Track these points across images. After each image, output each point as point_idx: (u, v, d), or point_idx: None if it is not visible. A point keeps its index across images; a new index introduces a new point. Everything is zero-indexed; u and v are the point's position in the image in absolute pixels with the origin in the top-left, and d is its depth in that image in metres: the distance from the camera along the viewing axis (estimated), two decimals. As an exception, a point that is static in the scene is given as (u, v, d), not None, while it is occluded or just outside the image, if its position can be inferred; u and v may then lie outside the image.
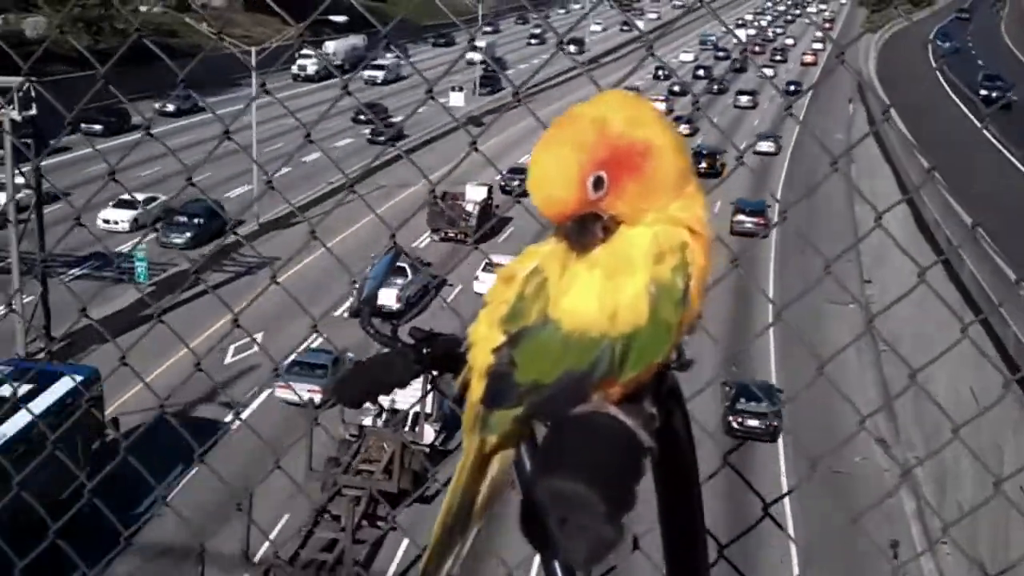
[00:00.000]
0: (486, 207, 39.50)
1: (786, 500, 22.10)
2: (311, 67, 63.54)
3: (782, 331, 26.74)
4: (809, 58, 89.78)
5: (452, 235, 39.03)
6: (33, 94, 23.22)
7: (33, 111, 23.67)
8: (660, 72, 68.34)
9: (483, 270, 34.03)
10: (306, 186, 38.97)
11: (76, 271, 29.86)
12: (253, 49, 35.12)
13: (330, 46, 64.78)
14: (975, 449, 19.36)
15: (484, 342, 1.40)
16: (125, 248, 30.77)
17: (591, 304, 1.31)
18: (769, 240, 39.21)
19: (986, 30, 72.98)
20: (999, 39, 70.89)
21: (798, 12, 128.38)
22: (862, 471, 22.19)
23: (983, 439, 18.90)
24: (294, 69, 63.75)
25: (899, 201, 27.02)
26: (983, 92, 44.75)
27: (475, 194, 39.93)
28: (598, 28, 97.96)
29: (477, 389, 1.40)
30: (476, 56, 60.71)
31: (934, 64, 54.85)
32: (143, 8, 48.66)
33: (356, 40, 66.84)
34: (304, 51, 58.00)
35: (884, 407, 24.83)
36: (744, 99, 67.23)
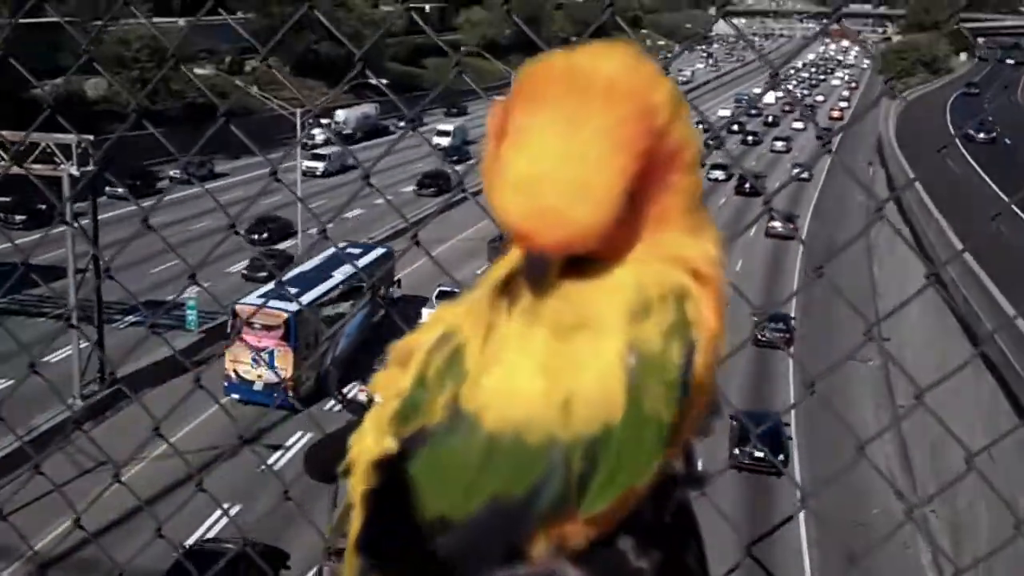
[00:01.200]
0: None
1: (804, 551, 21.88)
2: (319, 137, 55.05)
3: (801, 385, 26.45)
4: (836, 113, 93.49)
5: None
6: (91, 151, 23.60)
7: (90, 167, 24.01)
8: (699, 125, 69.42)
9: (436, 297, 29.58)
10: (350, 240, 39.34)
11: (130, 318, 30.05)
12: (299, 110, 35.63)
13: (340, 114, 59.94)
14: (991, 498, 19.07)
15: (367, 456, 0.91)
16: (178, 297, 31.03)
17: (531, 385, 0.81)
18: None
19: (1003, 106, 72.68)
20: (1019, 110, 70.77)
21: (823, 77, 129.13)
22: (879, 522, 21.88)
23: (998, 488, 18.61)
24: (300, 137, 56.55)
25: (891, 196, 26.81)
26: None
27: None
28: None
29: (355, 529, 0.92)
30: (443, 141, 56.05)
31: (951, 131, 54.66)
32: (198, 71, 49.43)
33: (368, 108, 62.38)
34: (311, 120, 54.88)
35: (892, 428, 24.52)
36: (779, 144, 72.99)
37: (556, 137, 0.76)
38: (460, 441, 0.84)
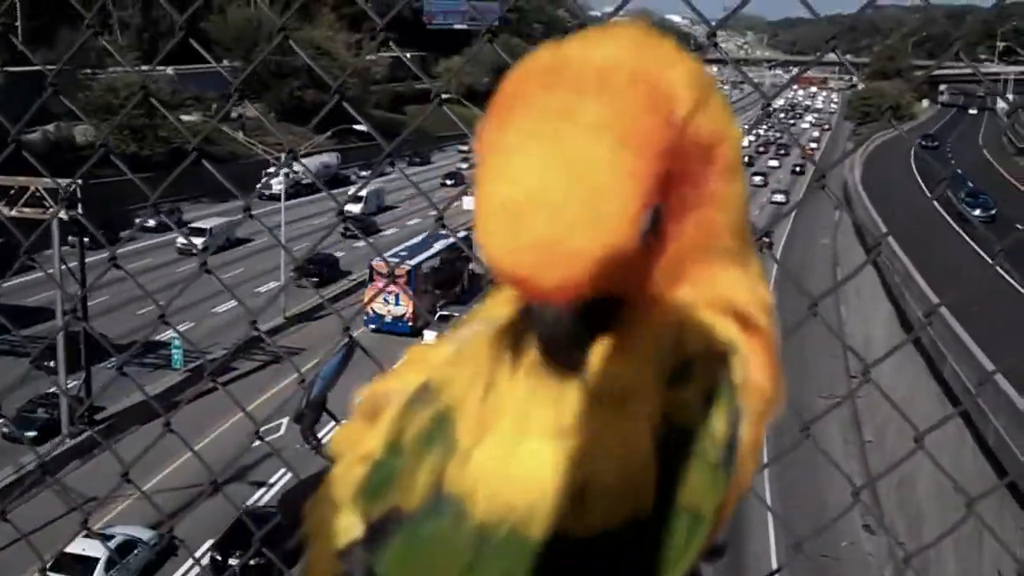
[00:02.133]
0: None
1: None
2: (276, 186, 47.16)
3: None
4: (808, 151, 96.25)
5: None
6: (79, 195, 23.52)
7: (79, 211, 23.94)
8: None
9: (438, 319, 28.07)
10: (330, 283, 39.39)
11: (115, 358, 29.79)
12: (283, 154, 35.81)
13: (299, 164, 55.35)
14: (955, 537, 19.09)
15: (324, 537, 0.72)
16: (163, 336, 30.78)
17: (536, 466, 0.61)
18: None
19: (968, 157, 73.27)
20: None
21: (792, 122, 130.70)
22: (848, 555, 21.84)
23: (964, 527, 18.63)
24: (259, 188, 50.00)
25: (881, 238, 26.93)
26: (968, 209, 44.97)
27: None
28: None
29: None
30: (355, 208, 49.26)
31: (920, 181, 55.21)
32: (184, 118, 49.45)
33: (328, 158, 58.05)
34: (269, 169, 51.57)
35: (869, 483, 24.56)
36: (757, 179, 75.91)
37: (543, 145, 0.54)
38: (443, 532, 0.63)
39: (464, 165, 62.09)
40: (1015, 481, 17.16)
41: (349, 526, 0.69)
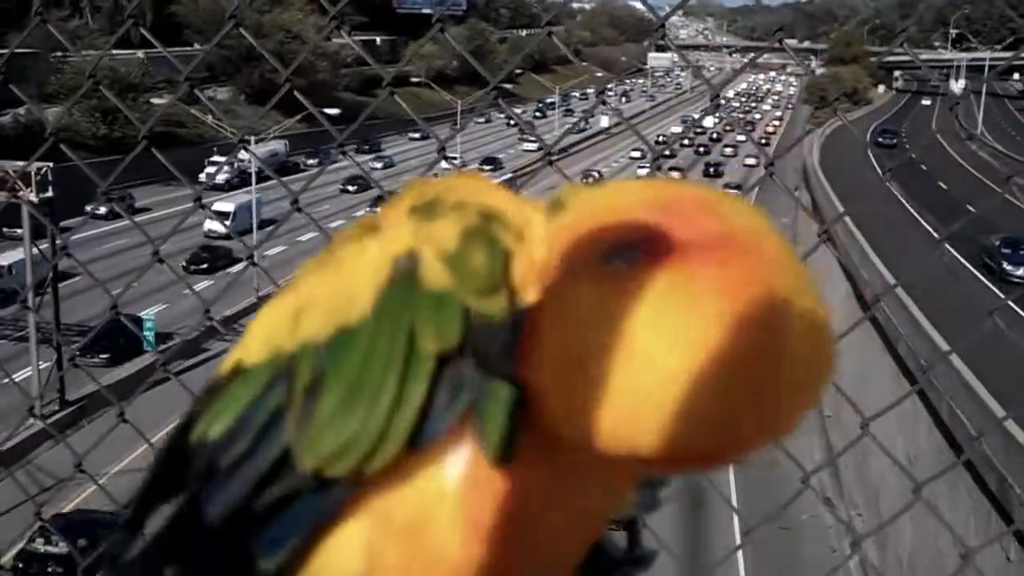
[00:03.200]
0: None
1: (739, 554, 21.98)
2: (221, 176, 47.29)
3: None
4: (771, 128, 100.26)
5: None
6: (50, 178, 23.28)
7: (50, 193, 23.70)
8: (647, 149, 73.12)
9: None
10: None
11: (88, 339, 29.57)
12: (253, 137, 35.45)
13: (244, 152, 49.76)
14: (912, 509, 19.33)
15: None
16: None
17: (280, 302, 0.63)
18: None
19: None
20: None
21: (754, 105, 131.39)
22: (809, 528, 22.08)
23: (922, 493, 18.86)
24: (202, 177, 42.73)
25: (837, 218, 27.19)
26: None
27: None
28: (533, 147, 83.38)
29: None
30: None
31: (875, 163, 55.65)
32: (155, 101, 48.95)
33: (276, 145, 53.72)
34: (213, 158, 48.65)
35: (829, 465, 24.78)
36: (729, 150, 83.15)
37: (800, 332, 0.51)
38: (228, 370, 0.63)
39: (378, 165, 58.09)
40: (969, 458, 17.41)
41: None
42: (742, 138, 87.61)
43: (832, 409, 27.35)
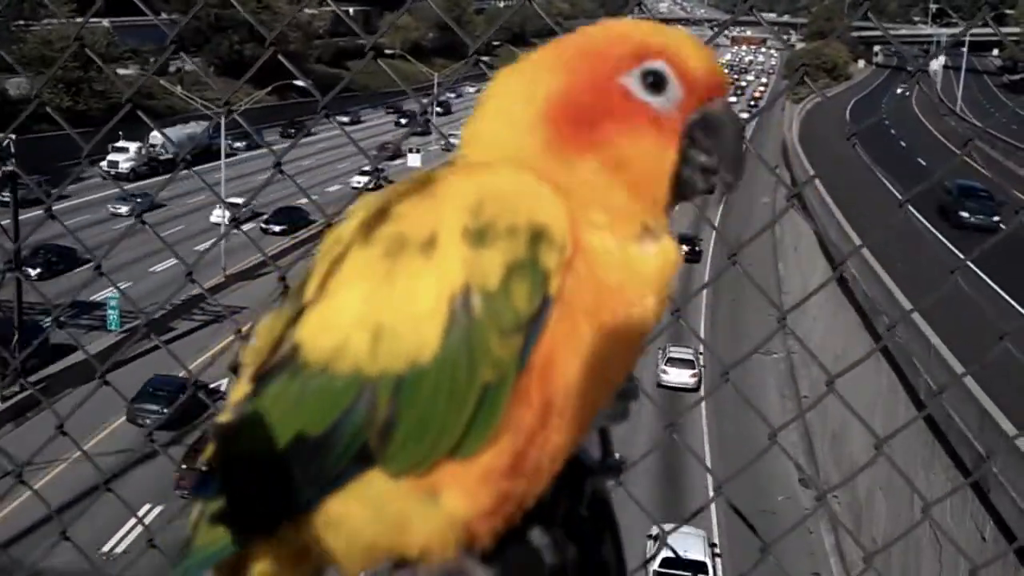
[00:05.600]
0: None
1: (715, 534, 22.16)
2: (124, 164, 45.85)
3: (712, 374, 26.94)
4: (756, 94, 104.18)
5: None
6: (12, 150, 22.97)
7: (11, 167, 23.40)
8: None
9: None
10: (274, 240, 38.80)
11: (50, 319, 29.30)
12: (223, 110, 35.06)
13: (157, 136, 44.80)
14: (888, 486, 19.55)
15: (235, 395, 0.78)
16: (99, 297, 30.25)
17: (348, 312, 0.69)
18: (702, 277, 39.39)
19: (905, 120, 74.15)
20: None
21: (737, 76, 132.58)
22: (785, 509, 22.26)
23: (893, 475, 19.06)
24: (104, 166, 42.58)
25: (804, 184, 27.28)
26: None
27: None
28: None
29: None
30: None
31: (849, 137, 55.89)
32: (121, 72, 48.35)
33: (194, 128, 48.25)
34: (117, 144, 46.21)
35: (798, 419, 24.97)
36: None
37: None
38: (290, 374, 0.71)
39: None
40: (943, 433, 17.60)
41: (246, 382, 0.77)
42: (731, 99, 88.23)
43: (809, 390, 27.57)
